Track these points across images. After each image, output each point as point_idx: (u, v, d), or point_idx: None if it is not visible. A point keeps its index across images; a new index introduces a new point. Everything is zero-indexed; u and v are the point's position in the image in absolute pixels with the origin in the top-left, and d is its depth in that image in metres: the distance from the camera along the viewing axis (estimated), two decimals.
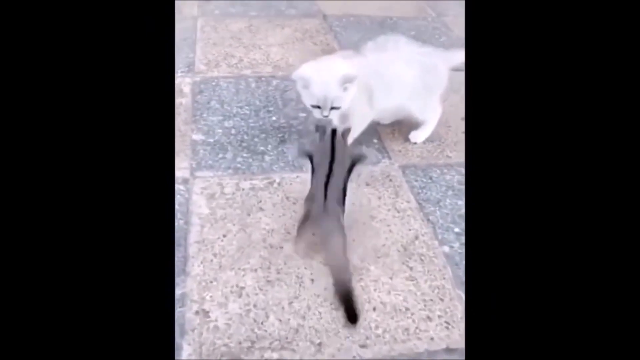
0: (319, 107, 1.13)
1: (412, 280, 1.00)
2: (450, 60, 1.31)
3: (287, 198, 1.18)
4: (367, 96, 1.22)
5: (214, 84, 1.59)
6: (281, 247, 1.05)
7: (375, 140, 1.40)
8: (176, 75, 1.61)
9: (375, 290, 0.97)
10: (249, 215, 1.12)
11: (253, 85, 1.60)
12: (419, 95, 1.28)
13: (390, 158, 1.34)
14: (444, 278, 1.01)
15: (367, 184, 1.24)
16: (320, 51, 1.84)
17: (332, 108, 1.13)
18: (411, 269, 1.02)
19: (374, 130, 1.43)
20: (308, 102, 1.16)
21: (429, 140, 1.41)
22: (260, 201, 1.16)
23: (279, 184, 1.22)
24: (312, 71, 1.14)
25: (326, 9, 2.19)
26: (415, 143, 1.39)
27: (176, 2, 2.07)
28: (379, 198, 1.21)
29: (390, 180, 1.27)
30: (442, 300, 0.96)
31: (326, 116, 1.13)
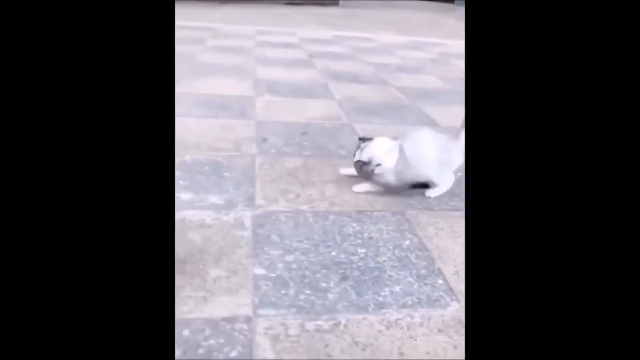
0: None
1: None
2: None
3: (355, 343, 1.09)
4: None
5: (273, 217, 1.61)
6: None
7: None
8: (237, 209, 1.65)
9: None
10: None
11: (311, 220, 1.62)
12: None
13: None
14: None
15: None
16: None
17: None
18: None
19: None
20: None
21: None
22: (327, 346, 1.07)
23: (345, 326, 1.14)
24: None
25: None
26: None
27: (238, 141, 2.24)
28: None
29: None
30: None
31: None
